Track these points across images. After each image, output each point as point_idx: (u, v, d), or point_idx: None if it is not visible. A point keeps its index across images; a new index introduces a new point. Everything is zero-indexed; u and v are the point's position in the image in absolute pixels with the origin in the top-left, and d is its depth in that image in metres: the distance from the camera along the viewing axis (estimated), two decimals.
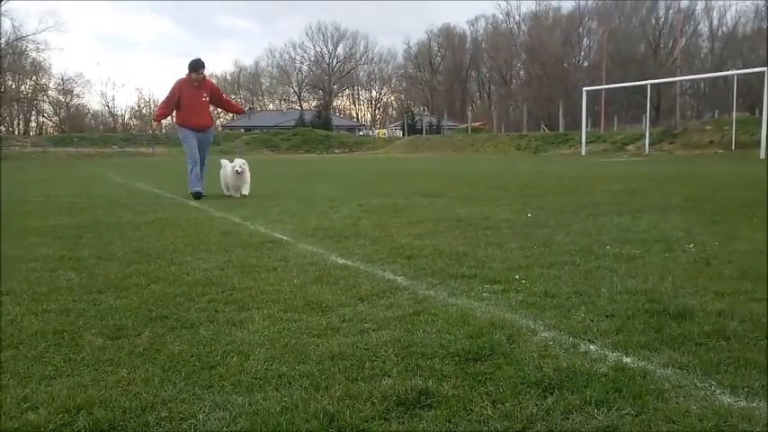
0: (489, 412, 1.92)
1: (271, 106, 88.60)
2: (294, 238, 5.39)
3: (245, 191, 9.55)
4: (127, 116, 79.16)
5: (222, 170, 9.92)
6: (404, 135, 58.07)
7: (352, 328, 2.79)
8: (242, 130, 63.74)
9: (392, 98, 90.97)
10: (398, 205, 7.86)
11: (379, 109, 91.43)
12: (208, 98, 9.97)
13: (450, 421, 1.87)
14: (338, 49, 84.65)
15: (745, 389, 2.06)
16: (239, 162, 9.58)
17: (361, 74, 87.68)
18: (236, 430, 1.84)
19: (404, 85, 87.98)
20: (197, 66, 9.81)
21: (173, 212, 7.61)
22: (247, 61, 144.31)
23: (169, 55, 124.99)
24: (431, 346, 2.52)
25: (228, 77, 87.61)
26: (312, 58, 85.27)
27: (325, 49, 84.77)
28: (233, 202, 8.88)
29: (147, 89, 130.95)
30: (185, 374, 2.29)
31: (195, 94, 9.75)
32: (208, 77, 10.44)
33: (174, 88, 9.79)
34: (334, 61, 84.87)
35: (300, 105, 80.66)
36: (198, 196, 9.38)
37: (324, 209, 7.53)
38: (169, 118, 10.71)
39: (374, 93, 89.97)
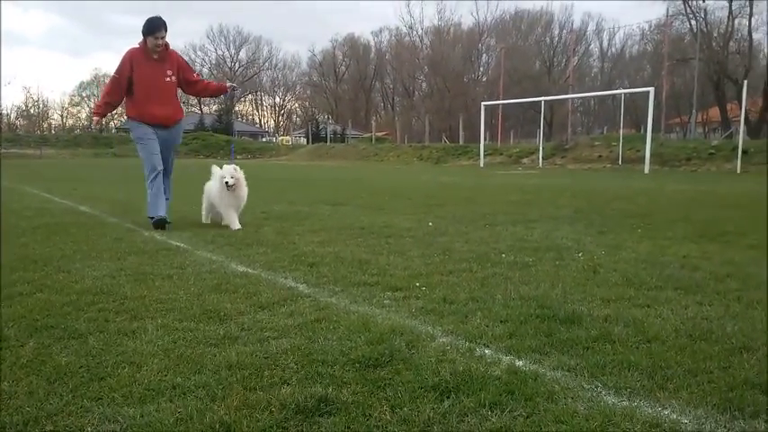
0: (388, 417, 1.94)
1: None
2: (192, 246, 5.24)
3: (234, 221, 6.31)
4: (13, 116, 74.36)
5: (208, 184, 6.69)
6: (308, 143, 57.87)
7: (252, 337, 2.75)
8: None
9: (296, 105, 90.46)
10: (302, 213, 7.81)
11: (282, 116, 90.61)
12: (174, 77, 6.61)
13: (349, 427, 1.88)
14: (241, 53, 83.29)
15: (628, 389, 2.19)
16: (228, 170, 6.29)
17: (265, 79, 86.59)
18: None
19: (308, 92, 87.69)
20: (156, 26, 6.38)
21: (62, 218, 7.22)
22: None
23: (61, 52, 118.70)
24: (331, 354, 2.52)
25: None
26: (213, 62, 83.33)
27: (227, 53, 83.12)
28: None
29: (35, 87, 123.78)
30: (73, 386, 2.18)
31: (155, 71, 6.48)
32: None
33: (122, 64, 6.43)
34: (237, 65, 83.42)
35: (200, 109, 78.50)
36: (160, 224, 6.29)
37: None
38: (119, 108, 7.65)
39: (278, 99, 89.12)
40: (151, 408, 2.00)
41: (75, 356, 2.48)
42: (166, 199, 6.66)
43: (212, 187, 6.49)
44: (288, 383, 2.21)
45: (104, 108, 6.69)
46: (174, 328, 2.87)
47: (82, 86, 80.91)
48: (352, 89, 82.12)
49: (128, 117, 6.70)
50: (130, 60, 6.41)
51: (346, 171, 25.23)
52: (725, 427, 1.90)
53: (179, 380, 2.24)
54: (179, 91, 6.88)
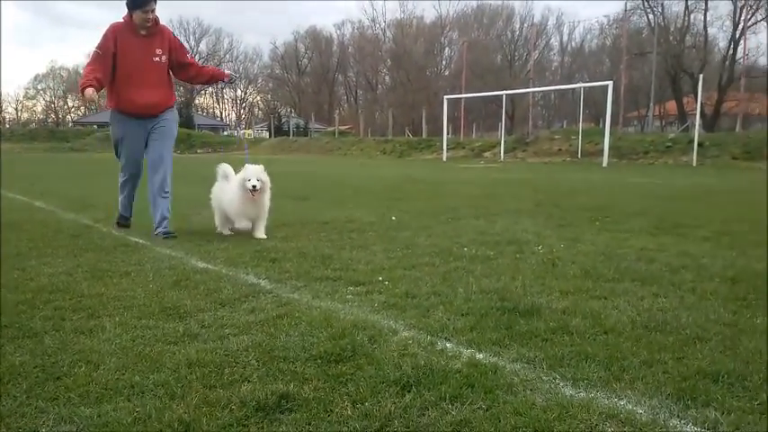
0: (349, 412, 1.95)
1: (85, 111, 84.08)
2: (151, 242, 5.16)
3: (261, 230, 5.38)
4: None
5: (217, 187, 5.63)
6: (270, 136, 57.33)
7: (212, 334, 2.72)
8: (95, 126, 59.94)
9: (258, 98, 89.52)
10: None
11: (244, 109, 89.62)
12: (164, 57, 5.55)
13: (309, 424, 1.88)
14: (201, 45, 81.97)
15: (585, 381, 2.23)
16: (254, 172, 5.22)
17: (226, 72, 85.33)
18: None
19: (270, 85, 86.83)
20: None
21: (17, 214, 7.03)
22: None
23: (15, 44, 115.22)
24: (293, 350, 2.51)
25: (80, 70, 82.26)
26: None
27: (186, 45, 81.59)
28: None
29: None
30: (27, 387, 2.13)
31: (142, 49, 5.44)
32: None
33: (104, 39, 5.38)
34: (197, 57, 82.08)
35: None
36: (124, 221, 5.92)
37: (185, 211, 7.25)
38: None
39: (239, 92, 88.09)
40: (108, 407, 1.97)
41: (29, 356, 2.42)
42: (164, 218, 5.52)
43: (229, 192, 5.31)
44: (248, 380, 2.19)
45: (95, 83, 5.19)
46: (132, 326, 2.83)
47: (37, 79, 78.93)
48: (315, 82, 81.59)
49: (108, 107, 5.66)
50: (114, 35, 5.35)
51: (309, 165, 25.12)
52: (678, 416, 1.95)
53: (137, 378, 2.21)
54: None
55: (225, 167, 5.56)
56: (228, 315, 3.02)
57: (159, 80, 5.52)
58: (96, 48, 5.38)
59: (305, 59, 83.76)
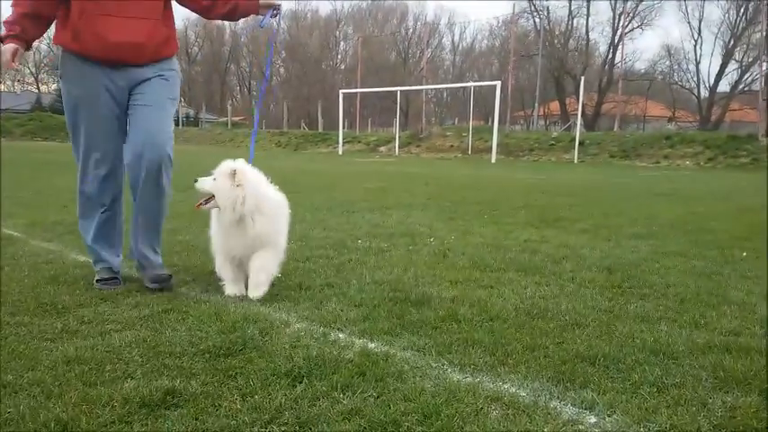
0: (238, 406, 1.91)
1: (2, 87, 78.29)
2: (27, 235, 4.84)
3: (260, 288, 3.20)
4: None
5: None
6: None
7: (92, 330, 2.59)
8: None
9: None
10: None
11: None
12: None
13: (197, 419, 1.83)
14: None
15: (472, 366, 2.30)
16: (223, 169, 3.16)
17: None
18: None
19: None
20: None
21: None
22: None
23: None
24: (180, 345, 2.43)
25: None
26: (51, 38, 77.09)
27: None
28: None
29: None
30: None
31: None
32: None
33: None
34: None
35: (38, 87, 72.34)
36: (107, 275, 3.40)
37: (64, 201, 6.85)
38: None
39: None
40: None
41: None
42: (150, 250, 3.44)
43: (218, 222, 3.29)
44: (132, 377, 2.11)
45: (17, 29, 3.01)
46: (5, 323, 2.65)
47: None
48: (206, 71, 79.24)
49: (55, 44, 3.36)
50: None
51: (200, 156, 24.38)
52: (558, 397, 2.05)
53: (10, 378, 2.06)
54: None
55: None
56: (111, 310, 2.89)
57: (147, 8, 3.26)
58: None
59: (195, 47, 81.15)
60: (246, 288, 3.23)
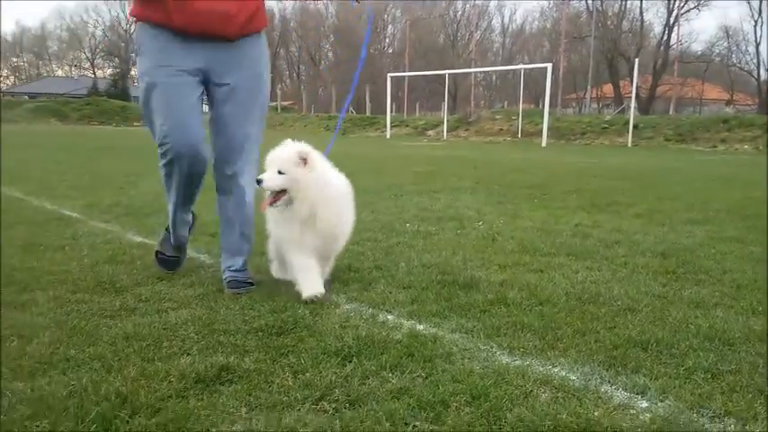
0: (290, 383, 1.95)
1: (59, 72, 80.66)
2: (85, 216, 5.00)
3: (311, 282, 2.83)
4: None
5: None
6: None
7: (150, 308, 2.67)
8: (26, 96, 57.37)
9: None
10: (206, 181, 7.59)
11: None
12: None
13: (250, 394, 1.87)
14: None
15: (521, 349, 2.29)
16: (276, 156, 2.82)
17: None
18: (15, 418, 1.68)
19: None
20: None
21: None
22: (31, 22, 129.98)
23: None
24: (233, 323, 2.49)
25: (9, 38, 78.36)
26: (107, 23, 78.82)
27: (122, 14, 78.83)
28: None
29: None
30: None
31: None
32: None
33: None
34: (132, 27, 79.13)
35: (94, 73, 74.28)
36: (170, 254, 3.33)
37: (120, 184, 7.07)
38: None
39: None
40: (42, 381, 1.91)
41: None
42: (238, 252, 3.14)
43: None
44: (188, 353, 2.17)
45: None
46: (66, 300, 2.75)
47: None
48: None
49: (134, 20, 2.96)
50: None
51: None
52: (609, 382, 2.03)
53: (72, 352, 2.15)
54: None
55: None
56: (167, 289, 2.97)
57: None
58: None
59: None
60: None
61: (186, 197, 3.16)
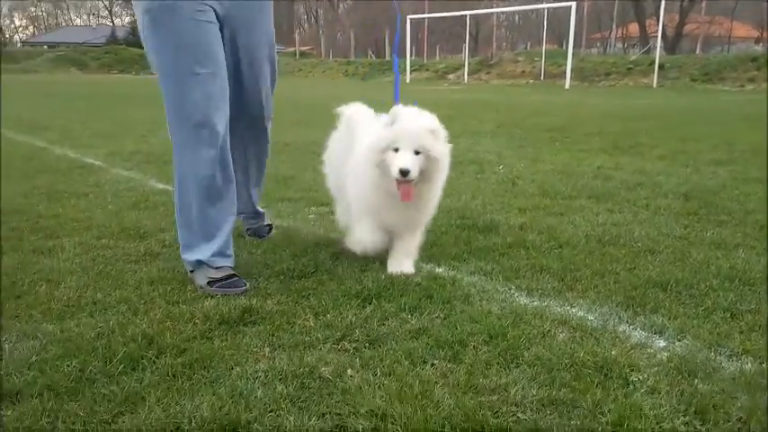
0: (311, 324, 1.99)
1: (78, 21, 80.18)
2: (108, 163, 5.06)
3: (406, 257, 2.52)
4: None
5: (336, 146, 3.03)
6: None
7: (173, 254, 2.71)
8: (45, 46, 57.27)
9: None
10: None
11: None
12: None
13: (273, 335, 1.92)
14: None
15: (539, 291, 2.31)
16: (408, 132, 2.37)
17: None
18: (47, 357, 1.75)
19: None
20: None
21: None
22: None
23: None
24: (256, 267, 2.54)
25: None
26: None
27: None
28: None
29: None
30: None
31: None
32: None
33: None
34: None
35: (112, 21, 73.76)
36: (226, 280, 2.31)
37: (142, 132, 7.10)
38: None
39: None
40: (71, 323, 1.98)
41: None
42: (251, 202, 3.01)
43: (351, 160, 2.63)
44: (211, 296, 2.22)
45: None
46: (92, 246, 2.81)
47: None
48: (274, 2, 78.81)
49: None
50: None
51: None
52: (627, 322, 2.04)
53: (99, 296, 2.21)
54: None
55: (353, 112, 3.04)
56: None
57: None
58: None
59: None
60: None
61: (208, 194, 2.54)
